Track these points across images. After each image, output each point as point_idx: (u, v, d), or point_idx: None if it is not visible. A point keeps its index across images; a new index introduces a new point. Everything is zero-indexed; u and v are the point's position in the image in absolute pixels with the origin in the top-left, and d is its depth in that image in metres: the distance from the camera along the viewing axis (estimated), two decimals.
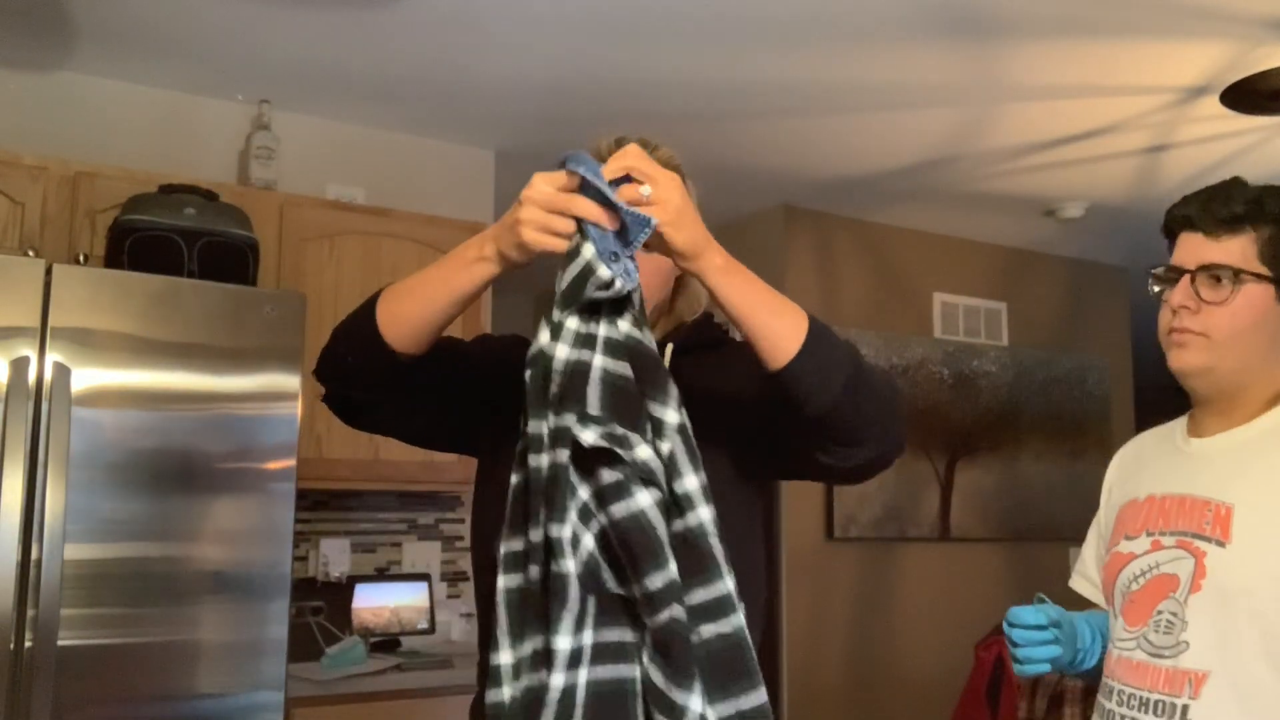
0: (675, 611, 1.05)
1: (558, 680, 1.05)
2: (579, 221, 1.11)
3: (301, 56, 3.17)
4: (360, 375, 1.32)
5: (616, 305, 1.13)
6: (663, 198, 1.12)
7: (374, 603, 3.45)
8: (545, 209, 1.13)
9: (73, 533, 2.34)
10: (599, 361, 1.12)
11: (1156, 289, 1.50)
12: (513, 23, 2.93)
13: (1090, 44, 3.02)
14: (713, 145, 3.86)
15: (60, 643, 2.31)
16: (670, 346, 1.40)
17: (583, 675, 1.06)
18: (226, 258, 2.83)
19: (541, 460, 1.10)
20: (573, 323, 1.11)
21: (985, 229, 4.94)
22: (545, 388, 1.12)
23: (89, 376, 2.42)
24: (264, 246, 3.05)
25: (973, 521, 4.87)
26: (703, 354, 1.43)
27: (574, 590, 1.05)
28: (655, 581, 1.05)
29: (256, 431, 2.60)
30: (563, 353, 1.11)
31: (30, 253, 2.75)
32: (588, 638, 1.07)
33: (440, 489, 3.59)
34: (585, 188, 1.11)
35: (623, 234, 1.12)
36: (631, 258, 1.12)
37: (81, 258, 2.80)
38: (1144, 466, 1.58)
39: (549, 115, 3.57)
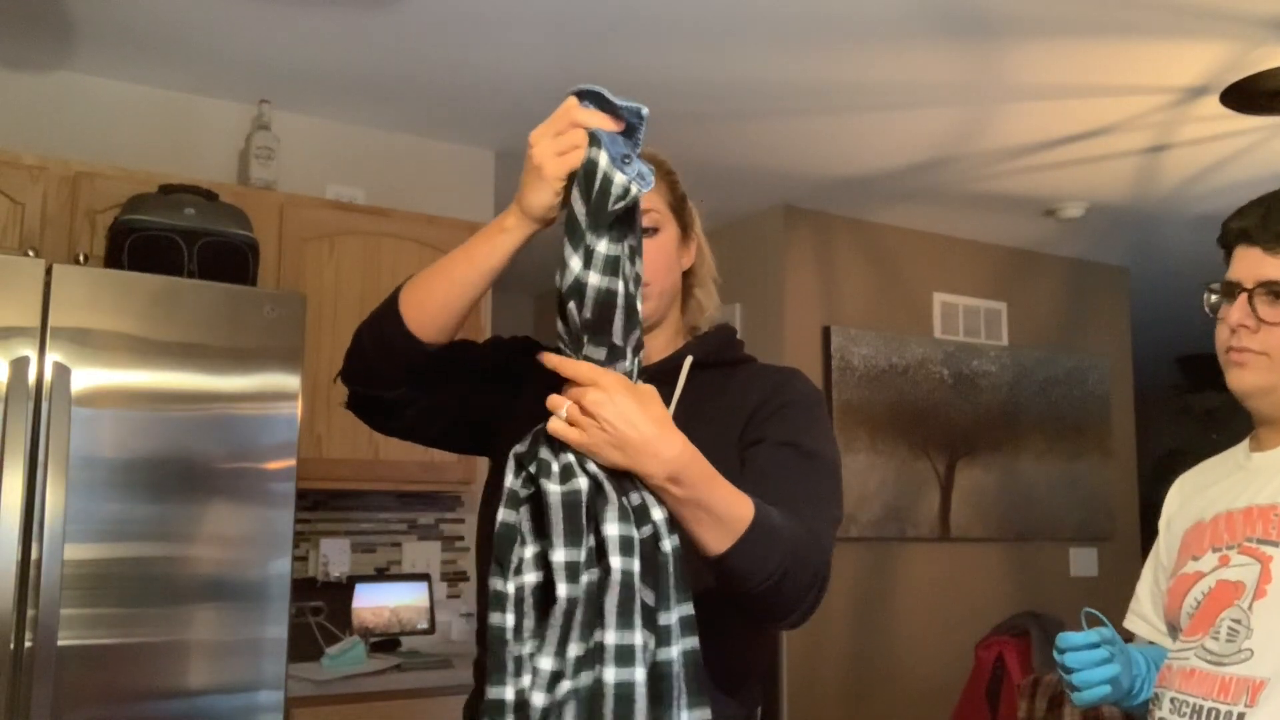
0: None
1: (562, 590, 1.10)
2: (589, 134, 1.12)
3: (301, 56, 3.17)
4: (385, 371, 1.33)
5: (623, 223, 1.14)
6: (581, 417, 1.10)
7: (374, 603, 3.45)
8: (551, 135, 1.13)
9: (73, 533, 2.34)
10: (621, 288, 1.13)
11: (1213, 302, 1.46)
12: (512, 23, 2.93)
13: (1090, 44, 3.02)
14: (713, 145, 3.86)
15: (60, 643, 2.31)
16: (689, 360, 1.39)
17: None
18: (226, 258, 2.83)
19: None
20: (603, 246, 1.12)
21: (985, 229, 4.94)
22: (581, 319, 1.13)
23: (89, 376, 2.42)
24: (264, 246, 3.05)
25: (973, 521, 4.87)
26: (720, 371, 1.42)
27: (582, 514, 1.11)
28: (611, 530, 1.12)
29: (256, 431, 2.60)
30: (594, 280, 1.12)
31: (30, 253, 2.75)
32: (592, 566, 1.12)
33: (440, 489, 3.59)
34: (582, 100, 1.13)
35: (628, 133, 1.13)
36: (639, 156, 1.13)
37: (81, 258, 2.80)
38: (1206, 490, 1.54)
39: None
